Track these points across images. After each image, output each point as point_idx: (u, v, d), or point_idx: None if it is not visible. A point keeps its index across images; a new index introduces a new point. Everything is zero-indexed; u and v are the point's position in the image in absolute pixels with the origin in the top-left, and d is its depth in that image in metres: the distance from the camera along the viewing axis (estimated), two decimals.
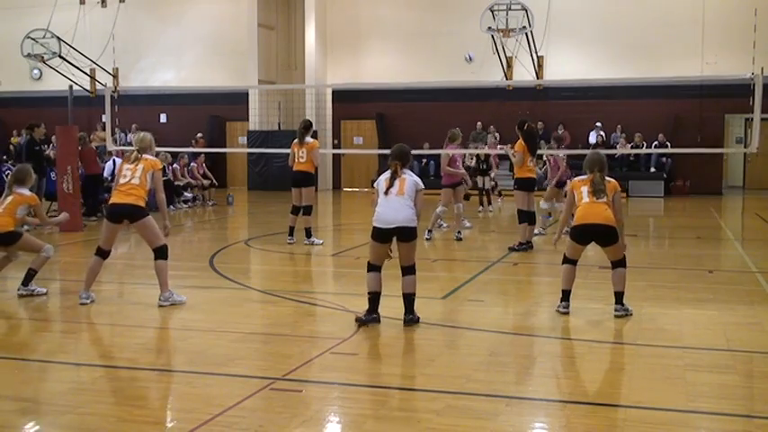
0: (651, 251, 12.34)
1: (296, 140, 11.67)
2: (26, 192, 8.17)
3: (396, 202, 6.64)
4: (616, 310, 7.04)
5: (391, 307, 7.48)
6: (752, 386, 5.24)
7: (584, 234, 7.06)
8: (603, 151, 21.68)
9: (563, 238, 7.75)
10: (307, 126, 11.74)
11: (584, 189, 7.12)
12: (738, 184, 25.13)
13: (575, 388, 5.21)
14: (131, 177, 7.50)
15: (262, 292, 8.54)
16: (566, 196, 8.38)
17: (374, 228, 6.75)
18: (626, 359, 5.74)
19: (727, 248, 12.41)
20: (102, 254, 7.65)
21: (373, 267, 6.86)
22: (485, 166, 17.25)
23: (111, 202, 7.67)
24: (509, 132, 21.55)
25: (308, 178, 11.68)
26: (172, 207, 18.12)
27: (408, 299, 6.77)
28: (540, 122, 23.08)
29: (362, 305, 7.44)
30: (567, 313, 7.06)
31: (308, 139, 11.64)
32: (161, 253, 7.51)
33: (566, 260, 7.24)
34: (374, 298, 6.79)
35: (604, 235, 7.00)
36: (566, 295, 7.18)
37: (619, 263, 7.14)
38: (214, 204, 19.54)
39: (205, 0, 26.31)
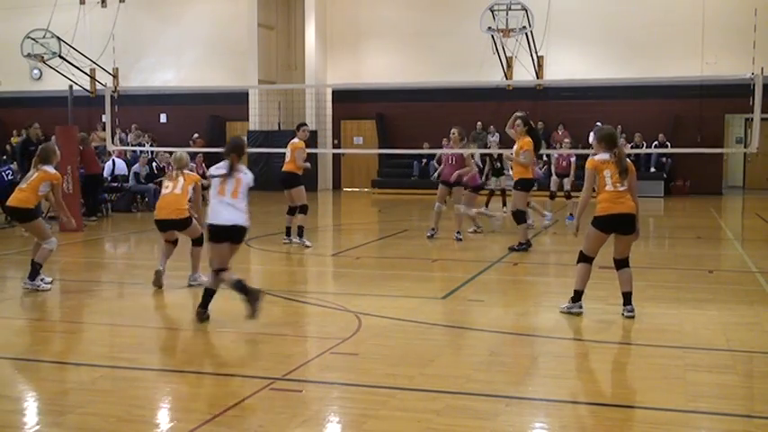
0: (651, 251, 12.33)
1: None
2: (51, 169, 8.38)
3: (230, 203, 6.69)
4: (629, 311, 6.93)
5: (391, 307, 7.48)
6: (752, 386, 5.25)
7: (611, 224, 6.91)
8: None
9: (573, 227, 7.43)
10: (297, 126, 12.03)
11: (608, 173, 6.90)
12: (738, 184, 25.12)
13: (575, 388, 5.21)
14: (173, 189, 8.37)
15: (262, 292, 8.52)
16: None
17: (211, 226, 6.70)
18: (626, 359, 5.74)
19: (727, 248, 12.41)
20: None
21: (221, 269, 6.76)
22: (499, 165, 16.88)
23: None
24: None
25: (291, 178, 11.57)
26: None
27: (210, 294, 6.75)
28: (540, 122, 23.08)
29: (363, 305, 7.45)
30: (581, 314, 7.00)
31: (294, 139, 11.75)
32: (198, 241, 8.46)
33: (582, 258, 7.05)
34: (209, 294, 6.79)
35: (629, 224, 6.93)
36: (579, 296, 7.04)
37: (625, 262, 7.04)
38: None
39: (205, 0, 26.30)
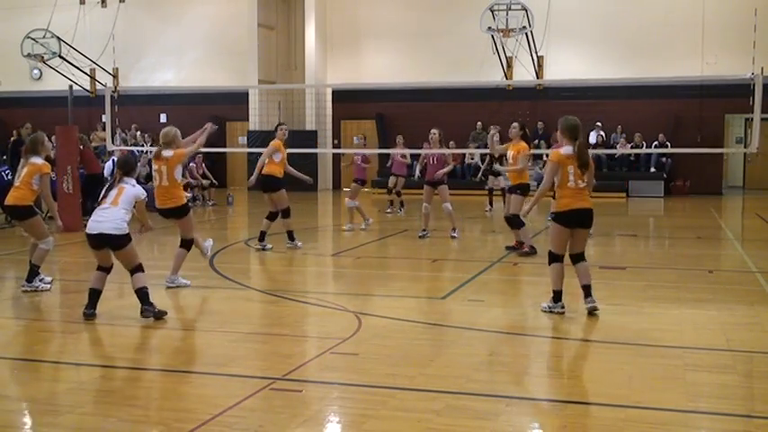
0: (651, 251, 12.34)
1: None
2: (39, 160, 8.31)
3: (106, 211, 6.94)
4: (590, 303, 7.02)
5: (391, 307, 7.49)
6: (752, 386, 5.24)
7: (572, 219, 6.97)
8: (603, 151, 21.81)
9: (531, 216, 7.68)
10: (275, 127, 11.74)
11: (571, 169, 6.94)
12: (738, 184, 25.12)
13: (575, 388, 5.21)
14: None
15: (262, 292, 8.54)
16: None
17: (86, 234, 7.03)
18: (626, 359, 5.73)
19: (727, 248, 12.41)
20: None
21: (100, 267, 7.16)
22: (499, 165, 16.80)
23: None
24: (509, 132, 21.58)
25: (270, 181, 11.20)
26: None
27: (141, 293, 6.99)
28: (540, 122, 23.09)
29: (363, 305, 7.45)
30: (564, 313, 7.04)
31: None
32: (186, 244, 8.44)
33: (553, 258, 7.10)
34: (94, 294, 7.07)
35: (588, 219, 7.03)
36: (558, 295, 7.10)
37: (582, 256, 7.12)
38: (214, 204, 19.54)
39: (205, 0, 26.30)
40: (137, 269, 7.03)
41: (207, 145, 10.15)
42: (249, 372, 5.51)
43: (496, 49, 21.83)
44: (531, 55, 22.48)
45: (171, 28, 26.46)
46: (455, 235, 12.30)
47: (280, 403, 4.78)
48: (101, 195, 7.20)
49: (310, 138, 23.85)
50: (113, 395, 5.00)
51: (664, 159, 22.52)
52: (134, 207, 7.17)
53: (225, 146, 26.15)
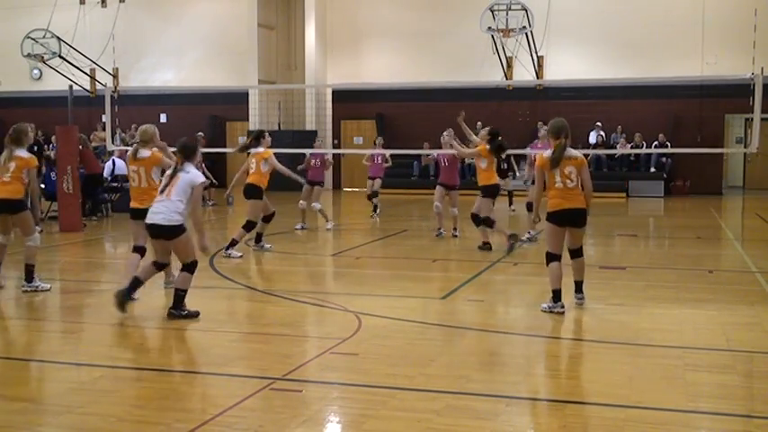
0: (651, 251, 12.34)
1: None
2: (24, 154, 8.16)
3: (161, 204, 6.92)
4: (579, 299, 7.30)
5: (393, 307, 7.48)
6: (752, 386, 5.25)
7: (562, 219, 7.09)
8: (603, 151, 21.79)
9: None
10: (256, 137, 11.05)
11: (557, 170, 7.06)
12: (738, 184, 25.12)
13: (575, 388, 5.21)
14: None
15: (262, 292, 8.54)
16: None
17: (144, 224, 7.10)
18: (626, 359, 5.73)
19: (727, 248, 12.41)
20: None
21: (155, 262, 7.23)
22: (505, 166, 16.78)
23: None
24: (509, 132, 21.58)
25: (252, 190, 10.80)
26: None
27: (177, 294, 6.99)
28: (540, 122, 23.06)
29: (363, 305, 7.45)
30: (563, 313, 7.05)
31: (260, 148, 10.85)
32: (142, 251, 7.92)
33: (549, 258, 7.19)
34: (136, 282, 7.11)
35: (579, 218, 7.12)
36: (557, 295, 7.13)
37: (579, 251, 7.30)
38: (214, 204, 19.53)
39: (205, 0, 26.31)
40: (188, 267, 6.98)
41: (207, 145, 10.10)
42: (249, 372, 5.51)
43: (496, 49, 21.83)
44: (531, 55, 22.48)
45: (171, 28, 26.46)
46: (457, 234, 12.49)
47: (280, 403, 4.78)
48: (161, 184, 7.10)
49: (310, 138, 23.83)
50: (113, 395, 5.00)
51: (664, 159, 22.52)
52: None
53: (225, 146, 26.17)
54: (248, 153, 11.08)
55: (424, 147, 21.63)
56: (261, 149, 10.80)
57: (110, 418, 4.55)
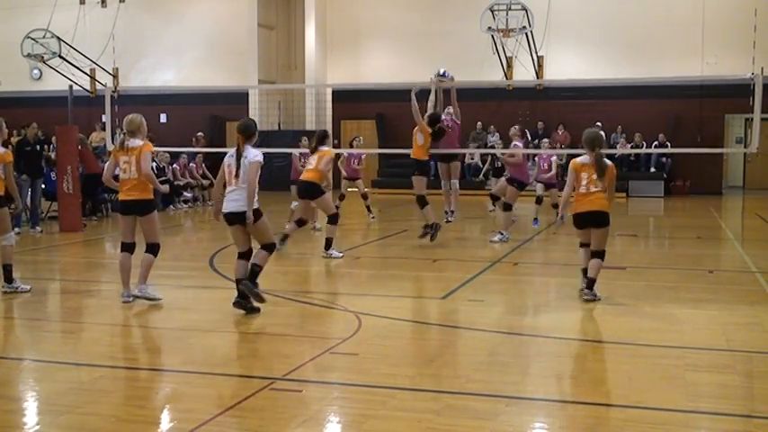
0: (651, 251, 12.34)
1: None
2: (0, 149, 8.03)
3: (233, 193, 7.12)
4: (586, 294, 7.58)
5: (393, 307, 7.49)
6: (752, 386, 5.24)
7: (581, 221, 7.71)
8: (603, 151, 21.83)
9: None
10: (321, 137, 11.15)
11: (585, 176, 7.59)
12: (738, 184, 25.12)
13: (575, 388, 5.21)
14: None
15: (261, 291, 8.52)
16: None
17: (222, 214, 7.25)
18: (626, 359, 5.73)
19: (727, 248, 12.41)
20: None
21: (240, 255, 7.32)
22: (499, 165, 16.68)
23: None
24: (508, 132, 21.57)
25: (310, 188, 10.84)
26: (171, 207, 18.13)
27: (253, 269, 7.16)
28: (540, 122, 23.10)
29: (363, 305, 7.45)
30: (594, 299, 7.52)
31: (324, 147, 11.02)
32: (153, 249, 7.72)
33: (581, 244, 7.90)
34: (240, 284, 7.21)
35: (600, 218, 7.60)
36: (584, 273, 7.73)
37: (598, 253, 7.62)
38: (213, 205, 19.51)
39: (205, 0, 26.31)
40: (266, 247, 7.19)
41: (208, 145, 10.12)
42: (249, 372, 5.51)
43: (496, 49, 21.82)
44: (531, 55, 22.48)
45: (171, 28, 26.45)
46: (450, 219, 12.50)
47: (280, 403, 4.78)
48: (227, 173, 7.15)
49: (310, 138, 23.84)
50: (113, 395, 5.00)
51: (664, 159, 22.52)
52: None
53: (225, 146, 26.17)
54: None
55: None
56: (325, 148, 11.01)
57: (110, 418, 4.55)
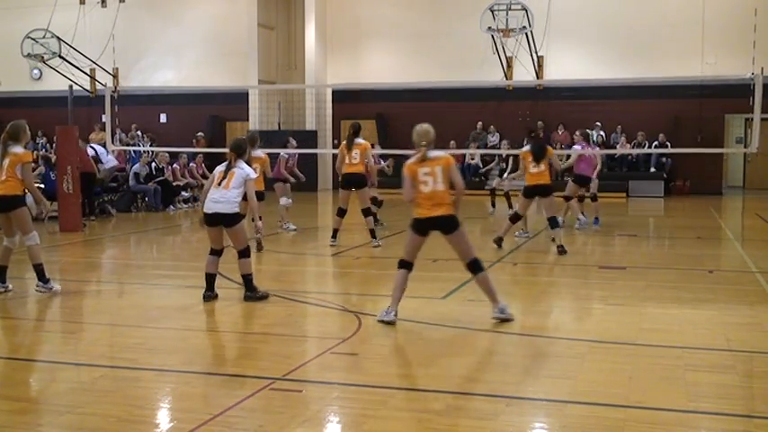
0: (651, 251, 12.33)
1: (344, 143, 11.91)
2: (19, 149, 8.06)
3: (220, 193, 7.57)
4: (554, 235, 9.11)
5: None
6: (752, 386, 5.24)
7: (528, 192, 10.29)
8: (603, 151, 21.79)
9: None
10: (356, 130, 12.01)
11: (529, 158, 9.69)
12: (738, 184, 25.12)
13: (575, 388, 5.21)
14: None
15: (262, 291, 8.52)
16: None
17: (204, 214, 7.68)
18: (626, 359, 5.73)
19: (727, 248, 12.40)
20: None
21: (213, 251, 7.75)
22: (505, 166, 16.53)
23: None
24: (509, 132, 21.60)
25: (358, 179, 11.61)
26: (171, 207, 18.12)
27: (245, 279, 7.70)
28: (540, 122, 23.09)
29: (363, 305, 7.45)
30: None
31: (360, 139, 11.79)
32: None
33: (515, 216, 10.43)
34: (210, 278, 7.71)
35: (541, 190, 10.31)
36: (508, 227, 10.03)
37: (551, 218, 9.82)
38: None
39: (205, 0, 26.31)
40: (242, 253, 7.65)
41: (208, 145, 10.24)
42: (249, 372, 5.51)
43: (496, 49, 21.82)
44: (531, 55, 22.48)
45: (171, 28, 26.45)
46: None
47: (280, 403, 4.78)
48: (218, 177, 7.65)
49: (310, 138, 23.85)
50: (113, 395, 5.00)
51: (664, 159, 22.52)
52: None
53: (225, 146, 26.14)
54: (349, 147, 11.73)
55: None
56: (362, 141, 11.71)
57: (110, 418, 4.54)
